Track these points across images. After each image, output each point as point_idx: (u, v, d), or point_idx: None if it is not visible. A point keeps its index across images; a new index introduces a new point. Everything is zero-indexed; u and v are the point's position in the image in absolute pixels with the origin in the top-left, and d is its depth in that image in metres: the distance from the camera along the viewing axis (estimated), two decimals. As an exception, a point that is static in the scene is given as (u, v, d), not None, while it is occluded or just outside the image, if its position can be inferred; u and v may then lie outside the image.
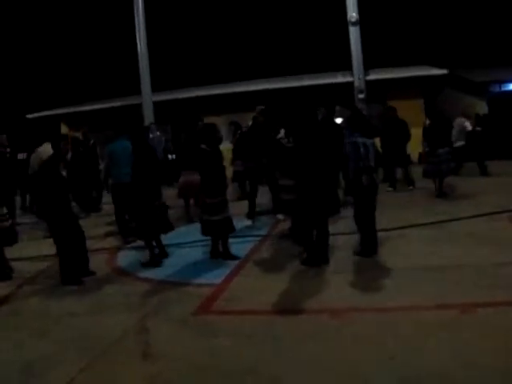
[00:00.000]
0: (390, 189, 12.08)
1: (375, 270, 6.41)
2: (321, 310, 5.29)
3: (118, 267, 7.84)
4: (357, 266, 6.67)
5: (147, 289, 6.59)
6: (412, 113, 16.96)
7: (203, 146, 7.46)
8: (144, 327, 5.33)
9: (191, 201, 10.62)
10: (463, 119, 14.12)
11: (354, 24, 18.13)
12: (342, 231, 8.03)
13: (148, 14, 20.34)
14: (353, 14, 18.04)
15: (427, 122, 11.82)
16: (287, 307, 5.50)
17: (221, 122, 12.83)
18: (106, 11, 23.39)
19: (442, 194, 10.91)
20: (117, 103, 21.71)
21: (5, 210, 7.74)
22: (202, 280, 6.71)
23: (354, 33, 18.26)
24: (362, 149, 6.92)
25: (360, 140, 7.00)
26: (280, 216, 9.42)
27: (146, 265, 7.61)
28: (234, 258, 7.52)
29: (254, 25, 23.29)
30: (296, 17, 23.01)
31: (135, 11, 20.09)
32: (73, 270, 7.00)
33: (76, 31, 24.76)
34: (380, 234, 7.63)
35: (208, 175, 7.40)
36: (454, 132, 13.66)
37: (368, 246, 7.04)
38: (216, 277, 6.73)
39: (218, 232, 7.55)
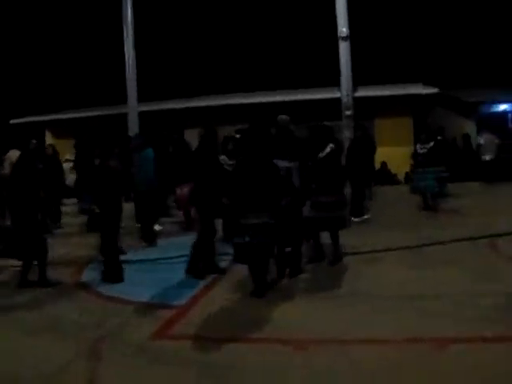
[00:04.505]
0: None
1: (345, 298, 6.05)
2: (284, 341, 4.91)
3: (81, 282, 7.46)
4: (328, 293, 6.30)
5: (106, 307, 6.22)
6: (400, 131, 16.86)
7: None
8: (96, 352, 4.96)
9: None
10: None
11: (344, 39, 17.95)
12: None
13: (137, 23, 20.16)
14: (343, 29, 17.87)
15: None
16: (249, 335, 5.14)
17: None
18: (94, 19, 23.23)
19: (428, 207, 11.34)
20: (102, 112, 21.49)
21: None
22: (165, 300, 6.36)
23: (343, 48, 18.07)
24: (281, 173, 6.53)
25: (281, 164, 6.67)
26: None
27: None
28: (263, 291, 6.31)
29: (243, 39, 23.19)
30: (285, 31, 22.91)
31: (124, 20, 19.89)
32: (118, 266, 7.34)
33: (64, 38, 24.56)
34: (353, 258, 7.50)
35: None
36: None
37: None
38: (181, 298, 6.37)
39: (250, 258, 6.28)
